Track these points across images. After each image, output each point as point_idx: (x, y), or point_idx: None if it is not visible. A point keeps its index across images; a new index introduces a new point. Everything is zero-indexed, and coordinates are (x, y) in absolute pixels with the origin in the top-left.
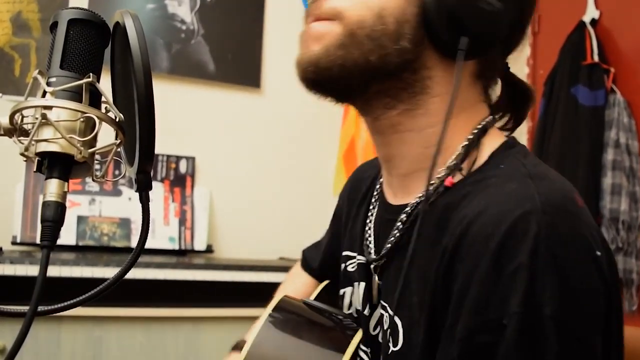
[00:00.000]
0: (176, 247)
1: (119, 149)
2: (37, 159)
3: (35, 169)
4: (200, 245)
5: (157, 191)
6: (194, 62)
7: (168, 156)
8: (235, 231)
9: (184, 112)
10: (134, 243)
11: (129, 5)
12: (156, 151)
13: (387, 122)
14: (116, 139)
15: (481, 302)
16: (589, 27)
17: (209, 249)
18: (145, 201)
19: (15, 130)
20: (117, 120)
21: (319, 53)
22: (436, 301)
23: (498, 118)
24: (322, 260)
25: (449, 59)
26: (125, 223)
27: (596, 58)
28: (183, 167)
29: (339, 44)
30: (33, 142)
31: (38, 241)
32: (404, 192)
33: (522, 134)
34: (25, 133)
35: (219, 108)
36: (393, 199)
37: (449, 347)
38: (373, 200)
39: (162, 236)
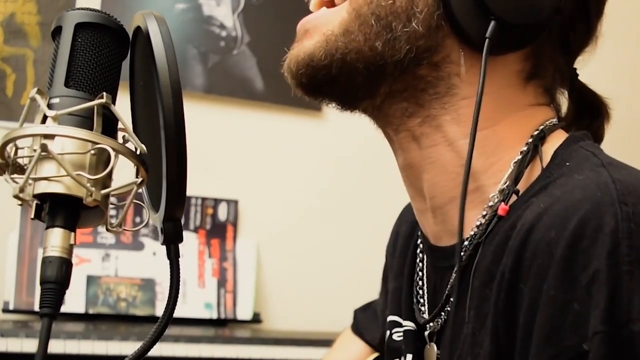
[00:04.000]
0: (214, 316)
1: (140, 190)
2: (35, 202)
3: (32, 216)
4: (244, 313)
5: (190, 244)
6: (236, 78)
7: (203, 199)
8: (289, 296)
9: (223, 143)
10: (159, 311)
11: (154, 4)
12: (188, 193)
13: (409, 135)
14: (137, 177)
15: (553, 327)
16: None
17: (256, 319)
18: (174, 257)
19: (7, 165)
20: (139, 152)
21: (312, 47)
22: (500, 346)
23: (564, 121)
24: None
25: (479, 51)
26: (148, 285)
27: None
28: (223, 212)
29: (342, 31)
30: (30, 181)
31: (37, 308)
32: (448, 230)
33: None
34: (21, 169)
35: (268, 137)
36: (440, 241)
37: None
38: (418, 250)
39: (196, 302)
